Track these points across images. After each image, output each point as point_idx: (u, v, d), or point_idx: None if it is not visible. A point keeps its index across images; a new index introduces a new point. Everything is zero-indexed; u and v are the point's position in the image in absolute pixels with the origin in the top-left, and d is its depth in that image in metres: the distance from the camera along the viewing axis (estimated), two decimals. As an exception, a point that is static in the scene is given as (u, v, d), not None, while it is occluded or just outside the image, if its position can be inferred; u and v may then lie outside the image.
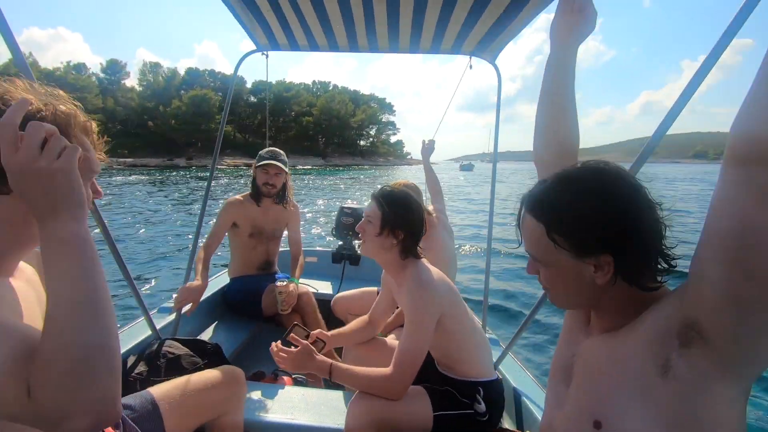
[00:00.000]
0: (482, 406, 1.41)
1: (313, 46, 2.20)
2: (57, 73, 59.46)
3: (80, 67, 66.66)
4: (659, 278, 0.70)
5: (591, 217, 0.68)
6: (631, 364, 0.67)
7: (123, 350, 1.62)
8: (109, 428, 1.04)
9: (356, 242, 3.19)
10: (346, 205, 3.28)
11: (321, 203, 16.53)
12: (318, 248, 3.54)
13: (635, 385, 0.66)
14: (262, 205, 2.48)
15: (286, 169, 2.49)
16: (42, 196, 0.62)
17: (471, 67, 2.28)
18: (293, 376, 2.14)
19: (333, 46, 2.19)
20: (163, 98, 68.10)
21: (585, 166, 0.73)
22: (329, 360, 1.41)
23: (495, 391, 1.46)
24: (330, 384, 1.96)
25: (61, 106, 0.73)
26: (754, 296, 0.52)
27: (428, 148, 2.59)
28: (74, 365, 0.59)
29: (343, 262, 3.08)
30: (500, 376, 1.56)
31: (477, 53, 2.19)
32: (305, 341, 1.45)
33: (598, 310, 0.78)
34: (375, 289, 2.41)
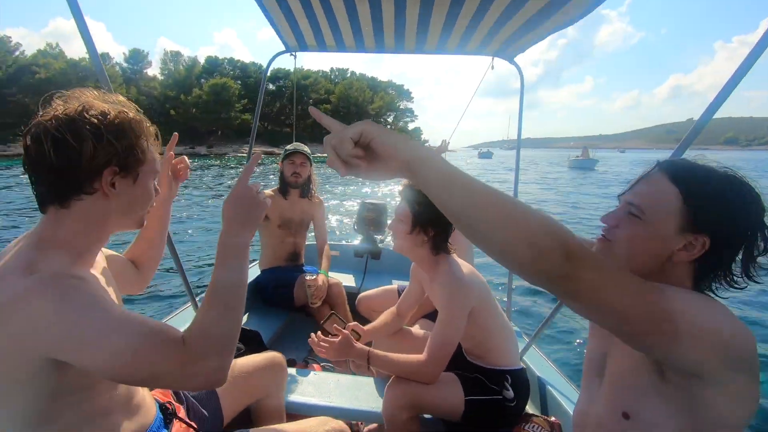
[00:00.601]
0: (510, 393, 1.51)
1: (341, 47, 2.27)
2: (83, 63, 60.84)
3: (104, 57, 67.84)
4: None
5: (726, 201, 0.73)
6: (645, 364, 0.75)
7: None
8: (174, 401, 1.17)
9: (378, 237, 3.27)
10: (368, 200, 3.35)
11: (340, 193, 16.66)
12: (341, 243, 3.64)
13: (650, 383, 0.74)
14: (289, 198, 2.62)
15: (311, 160, 2.62)
16: (242, 216, 0.89)
17: (493, 67, 2.33)
18: (322, 364, 2.27)
19: (360, 47, 2.25)
20: (184, 87, 68.95)
21: (731, 168, 0.78)
22: (367, 348, 1.53)
23: (521, 379, 1.56)
24: (355, 370, 2.08)
25: (130, 114, 0.87)
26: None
27: (442, 148, 2.71)
28: (226, 327, 0.83)
29: (365, 257, 3.16)
30: (524, 366, 1.65)
31: (499, 54, 2.24)
32: (345, 331, 1.56)
33: None
34: (395, 286, 2.54)
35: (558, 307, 1.78)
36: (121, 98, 0.91)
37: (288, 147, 2.64)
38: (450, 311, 1.45)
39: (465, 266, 1.56)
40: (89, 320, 0.72)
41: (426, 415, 1.53)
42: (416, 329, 2.00)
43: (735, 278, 0.76)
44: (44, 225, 0.83)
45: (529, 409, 1.72)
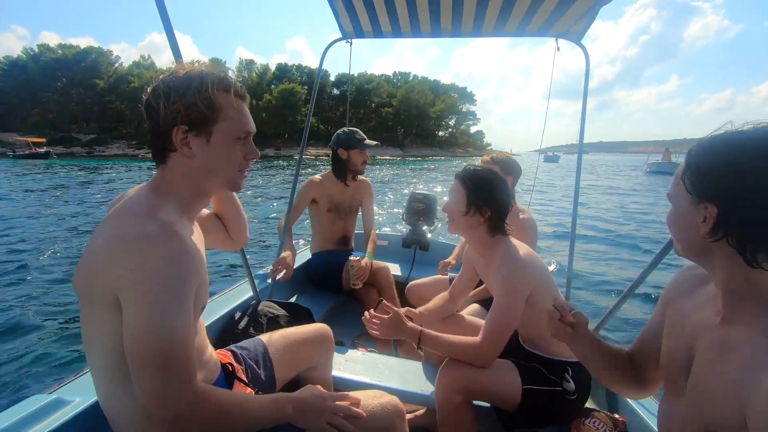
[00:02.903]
0: (571, 385, 1.41)
1: (396, 33, 2.25)
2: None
3: (188, 67, 74.46)
4: None
5: (718, 164, 0.67)
6: (734, 387, 0.65)
7: (231, 306, 1.88)
8: (234, 362, 1.23)
9: (426, 227, 3.21)
10: (417, 191, 3.28)
11: (391, 181, 16.79)
12: (389, 232, 3.63)
13: (739, 409, 0.64)
14: (347, 182, 2.63)
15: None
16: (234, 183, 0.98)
17: (558, 49, 2.19)
18: (369, 349, 2.31)
19: (416, 32, 2.23)
20: (255, 93, 73.28)
21: (757, 127, 0.71)
22: (419, 327, 1.48)
23: (583, 372, 1.45)
24: (402, 355, 2.09)
25: (204, 71, 0.91)
26: None
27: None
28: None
29: (414, 247, 3.11)
30: None
31: (563, 35, 2.12)
32: (396, 309, 1.52)
33: (715, 276, 0.76)
34: (447, 276, 2.49)
35: (622, 299, 1.65)
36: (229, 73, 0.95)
37: (349, 133, 2.59)
38: (507, 294, 1.38)
39: (523, 248, 1.49)
40: (162, 296, 0.76)
41: (479, 403, 1.47)
42: (468, 316, 1.92)
43: None
44: (156, 176, 0.94)
45: (590, 404, 1.61)
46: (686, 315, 0.85)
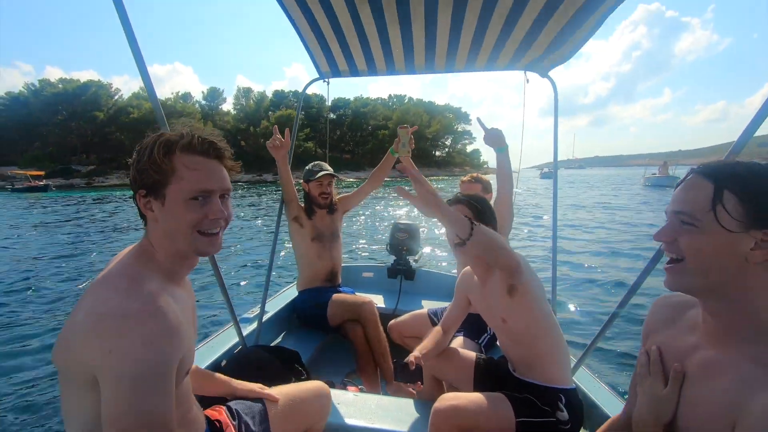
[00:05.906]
0: (564, 414, 1.41)
1: (372, 71, 2.35)
2: (168, 102, 68.19)
3: (186, 96, 75.82)
4: None
5: None
6: (723, 405, 0.67)
7: (217, 355, 1.87)
8: (228, 418, 1.21)
9: (410, 257, 3.25)
10: (399, 221, 3.34)
11: (371, 214, 16.66)
12: (374, 264, 3.65)
13: (727, 423, 0.66)
14: (315, 217, 2.67)
15: (335, 176, 2.72)
16: None
17: (528, 81, 2.30)
18: (360, 387, 2.29)
19: (390, 69, 2.32)
20: (253, 120, 74.36)
21: None
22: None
23: (576, 400, 1.46)
24: (390, 393, 2.06)
25: (165, 135, 0.93)
26: None
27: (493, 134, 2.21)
28: None
29: (399, 277, 3.13)
30: (576, 386, 1.55)
31: (531, 68, 2.21)
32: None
33: (715, 305, 0.75)
34: (425, 310, 2.49)
35: (610, 320, 1.67)
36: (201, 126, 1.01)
37: (311, 167, 2.69)
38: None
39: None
40: (140, 380, 0.74)
41: None
42: (461, 349, 1.92)
43: None
44: (142, 237, 0.97)
45: None
46: (669, 343, 0.86)
